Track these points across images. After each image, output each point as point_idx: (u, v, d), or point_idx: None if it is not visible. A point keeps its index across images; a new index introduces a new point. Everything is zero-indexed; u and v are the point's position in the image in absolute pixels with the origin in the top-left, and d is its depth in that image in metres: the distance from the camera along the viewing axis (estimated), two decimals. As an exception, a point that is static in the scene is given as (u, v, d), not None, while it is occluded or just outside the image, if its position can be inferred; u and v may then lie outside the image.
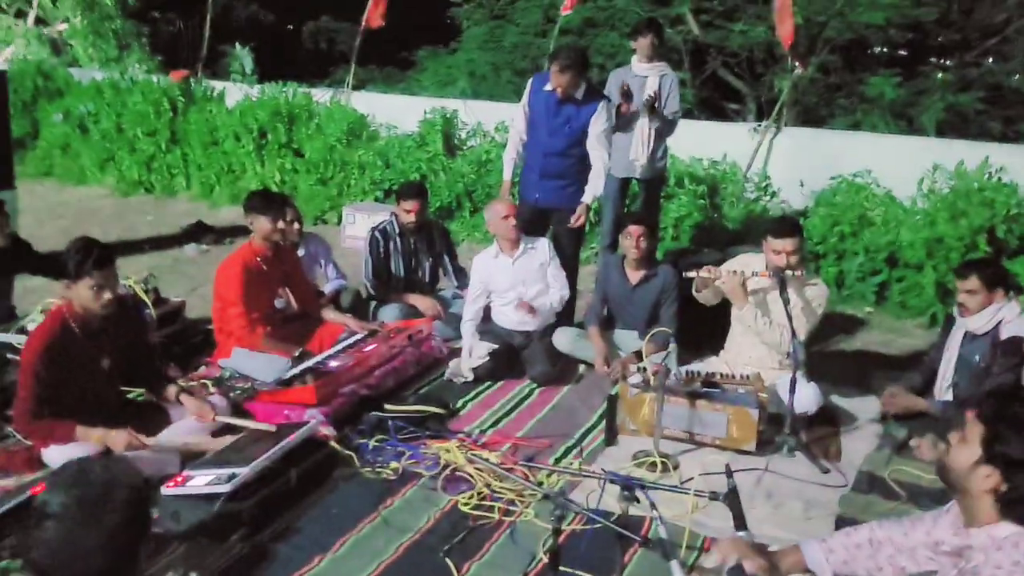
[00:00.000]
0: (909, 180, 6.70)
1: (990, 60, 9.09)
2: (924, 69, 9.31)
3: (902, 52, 9.92)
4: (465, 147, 8.67)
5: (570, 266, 5.35)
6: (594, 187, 5.18)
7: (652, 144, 5.80)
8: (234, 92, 9.89)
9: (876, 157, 7.04)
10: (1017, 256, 6.04)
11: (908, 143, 7.61)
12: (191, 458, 3.54)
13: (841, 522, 3.39)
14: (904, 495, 3.66)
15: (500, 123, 8.27)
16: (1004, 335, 4.00)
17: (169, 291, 5.38)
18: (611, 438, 4.09)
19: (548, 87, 5.03)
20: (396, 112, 9.16)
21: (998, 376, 3.95)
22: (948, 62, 9.51)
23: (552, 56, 5.02)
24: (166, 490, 3.23)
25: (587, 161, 5.15)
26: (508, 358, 4.88)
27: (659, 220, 6.39)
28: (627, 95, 5.69)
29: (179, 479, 3.29)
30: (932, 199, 6.52)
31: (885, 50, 9.95)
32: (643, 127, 5.76)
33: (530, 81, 5.27)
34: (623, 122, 5.75)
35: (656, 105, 5.71)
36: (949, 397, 4.18)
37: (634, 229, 4.83)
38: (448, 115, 8.68)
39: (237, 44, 11.42)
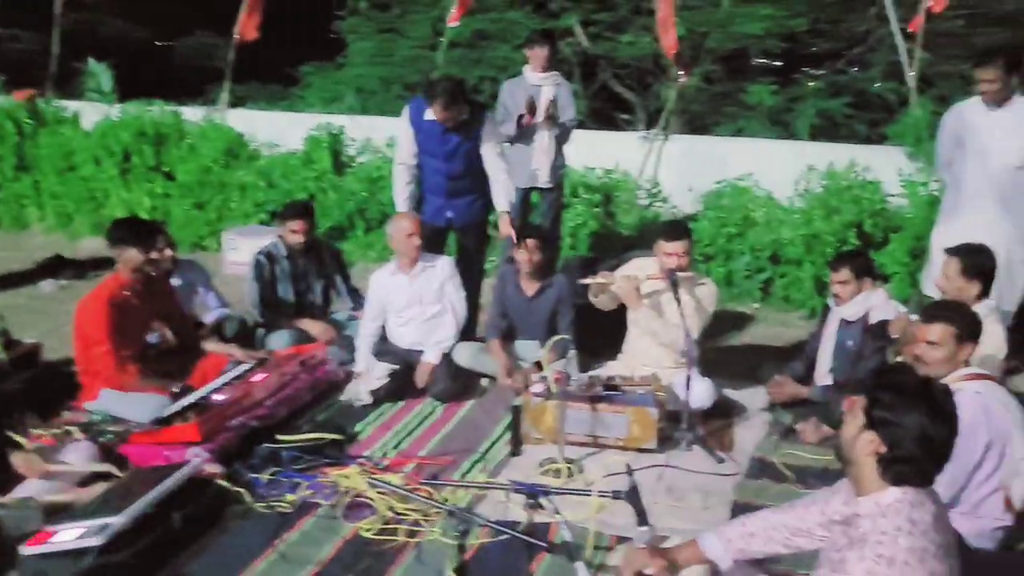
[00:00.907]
0: (787, 181, 7.07)
1: (855, 68, 9.66)
2: (798, 77, 9.80)
3: (778, 62, 10.40)
4: (354, 164, 8.48)
5: (476, 280, 5.42)
6: (506, 194, 5.22)
7: (552, 152, 5.96)
8: (91, 112, 9.18)
9: (757, 161, 7.38)
10: (883, 247, 6.44)
11: (785, 147, 8.01)
12: (57, 513, 3.31)
13: (737, 508, 3.57)
14: (792, 477, 3.89)
15: (391, 138, 8.07)
16: (873, 320, 4.28)
17: (24, 332, 5.09)
18: (516, 448, 4.14)
19: (430, 117, 4.98)
20: (278, 130, 8.85)
21: (869, 358, 4.23)
22: (819, 71, 10.04)
23: (428, 94, 4.93)
24: (27, 549, 3.01)
25: (484, 173, 5.22)
26: (408, 377, 4.84)
27: (560, 228, 6.55)
28: (532, 107, 5.81)
29: (42, 536, 3.06)
30: (807, 198, 6.89)
31: (763, 60, 10.43)
32: (543, 136, 5.90)
33: (407, 109, 5.17)
34: (522, 133, 5.88)
35: (554, 113, 5.86)
36: (829, 382, 4.43)
37: (527, 242, 4.91)
38: (335, 131, 8.48)
39: (91, 60, 10.57)
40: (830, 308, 4.55)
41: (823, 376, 4.48)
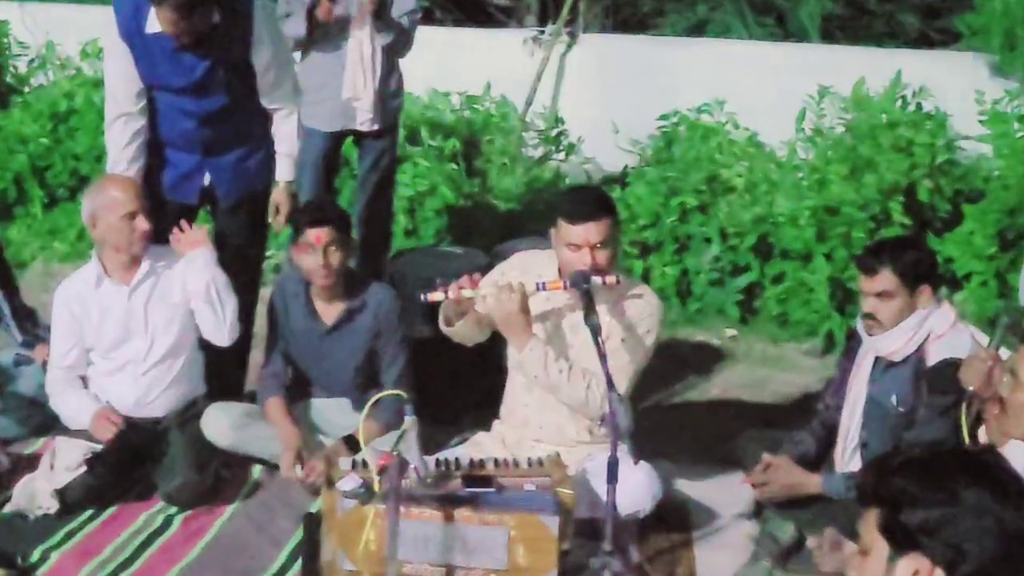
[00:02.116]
0: (784, 114, 7.26)
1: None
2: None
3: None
4: (26, 87, 8.52)
5: (247, 294, 5.46)
6: (290, 151, 5.39)
7: (380, 71, 6.03)
8: None
9: (731, 78, 7.62)
10: (951, 229, 6.70)
11: (779, 54, 8.31)
12: None
13: None
14: (795, 633, 4.02)
15: (91, 41, 8.12)
16: (932, 359, 4.39)
17: None
18: (312, 589, 4.18)
19: (156, 28, 5.01)
20: None
21: (925, 425, 4.37)
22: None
23: None
24: None
25: (265, 111, 5.36)
26: (122, 466, 4.86)
27: (393, 202, 6.64)
28: None
29: None
30: (820, 144, 7.12)
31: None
32: (361, 42, 5.97)
33: (114, 19, 5.14)
34: (323, 37, 5.94)
35: (380, 3, 5.91)
36: (857, 465, 4.54)
37: (317, 234, 4.91)
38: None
39: None
40: (859, 338, 4.69)
41: (847, 455, 4.61)
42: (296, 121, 5.39)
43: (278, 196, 5.40)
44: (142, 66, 5.13)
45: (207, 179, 5.37)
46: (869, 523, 2.18)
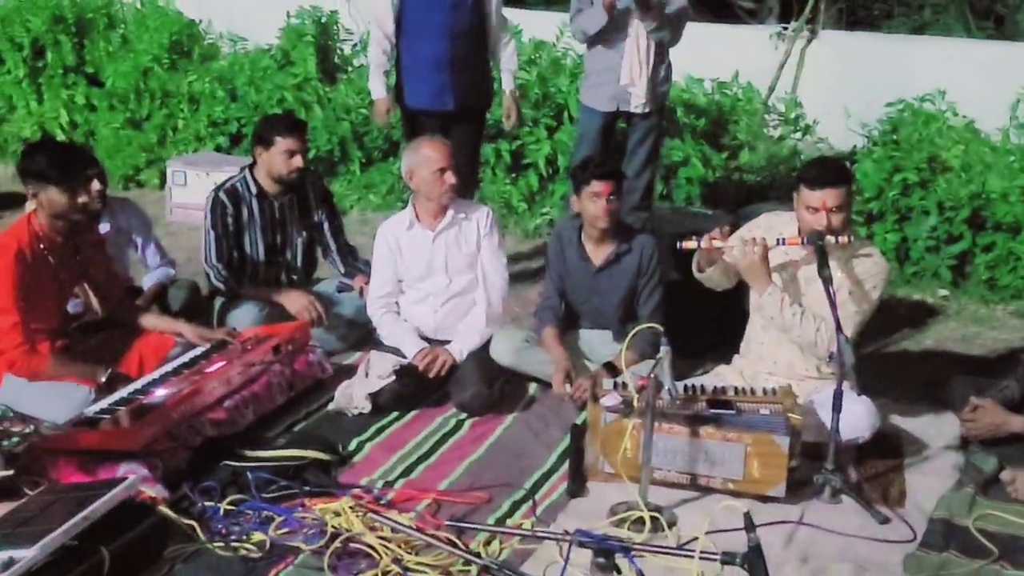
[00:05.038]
0: (999, 104, 7.07)
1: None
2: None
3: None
4: (351, 67, 8.71)
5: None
6: (513, 67, 6.03)
7: (652, 59, 5.97)
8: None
9: (952, 72, 7.38)
10: None
11: (997, 51, 7.99)
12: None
13: (908, 591, 3.61)
14: (995, 551, 3.88)
15: None
16: None
17: None
18: (577, 486, 4.23)
19: None
20: (244, 16, 9.11)
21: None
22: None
23: None
24: None
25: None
26: (424, 378, 4.98)
27: (656, 172, 6.61)
28: None
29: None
30: (1032, 130, 6.90)
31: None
32: (637, 34, 5.89)
33: None
34: (603, 28, 5.87)
35: None
36: (1057, 410, 4.42)
37: (602, 186, 4.94)
38: (324, 19, 8.69)
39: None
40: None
41: (1049, 402, 4.47)
42: (514, 46, 6.09)
43: (507, 102, 6.06)
44: None
45: (455, 93, 5.85)
46: None
